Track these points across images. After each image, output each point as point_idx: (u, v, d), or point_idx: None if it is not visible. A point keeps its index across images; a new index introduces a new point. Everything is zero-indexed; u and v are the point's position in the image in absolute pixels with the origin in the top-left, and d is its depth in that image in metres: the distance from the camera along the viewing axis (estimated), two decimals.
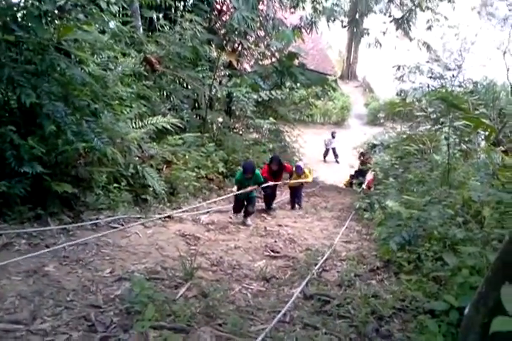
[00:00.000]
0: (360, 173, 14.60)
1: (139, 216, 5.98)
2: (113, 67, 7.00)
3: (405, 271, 4.64)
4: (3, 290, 3.34)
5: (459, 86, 12.25)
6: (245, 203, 7.25)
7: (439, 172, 7.22)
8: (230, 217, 7.39)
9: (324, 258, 5.28)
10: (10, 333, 2.83)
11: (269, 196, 8.61)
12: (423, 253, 4.52)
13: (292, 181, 9.18)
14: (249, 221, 7.19)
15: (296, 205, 9.61)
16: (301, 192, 9.83)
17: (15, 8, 4.87)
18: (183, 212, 6.80)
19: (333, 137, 20.47)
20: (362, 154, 15.59)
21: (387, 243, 5.12)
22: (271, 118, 13.06)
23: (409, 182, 7.90)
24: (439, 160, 7.93)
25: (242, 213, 7.32)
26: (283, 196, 10.28)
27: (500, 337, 2.05)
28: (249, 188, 7.01)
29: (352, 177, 15.25)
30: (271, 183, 8.13)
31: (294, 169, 9.08)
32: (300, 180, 9.16)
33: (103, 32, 7.01)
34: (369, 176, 14.07)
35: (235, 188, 7.14)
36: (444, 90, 10.83)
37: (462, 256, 3.80)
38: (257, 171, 7.15)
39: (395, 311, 3.73)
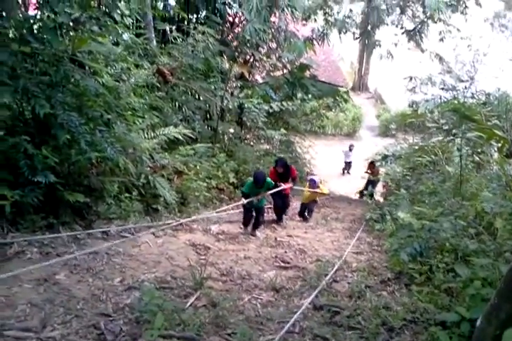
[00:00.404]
0: (371, 184, 14.54)
1: (150, 224, 6.00)
2: (126, 79, 7.11)
3: (417, 282, 4.59)
4: (14, 298, 3.37)
5: (472, 97, 12.18)
6: (254, 214, 7.13)
7: (451, 183, 7.17)
8: (240, 227, 7.35)
9: (335, 269, 5.24)
10: None
11: (280, 206, 8.36)
12: (435, 264, 4.47)
13: (306, 189, 9.08)
14: (258, 233, 7.07)
15: (307, 215, 9.49)
16: (313, 208, 9.71)
17: (31, 21, 5.00)
18: (193, 221, 6.79)
19: (350, 150, 20.31)
20: (371, 165, 15.45)
21: (399, 254, 5.07)
22: (282, 129, 13.09)
23: (421, 194, 7.84)
24: (451, 171, 7.88)
25: (251, 225, 7.20)
26: (292, 205, 10.22)
27: None
28: (259, 196, 6.91)
29: (364, 188, 15.17)
30: (283, 186, 7.74)
31: (307, 183, 9.03)
32: (316, 190, 8.99)
33: (117, 44, 7.13)
34: (380, 184, 14.11)
35: (243, 200, 6.90)
36: (456, 102, 10.77)
37: (474, 268, 3.77)
38: (268, 179, 7.02)
39: (405, 323, 3.69)
